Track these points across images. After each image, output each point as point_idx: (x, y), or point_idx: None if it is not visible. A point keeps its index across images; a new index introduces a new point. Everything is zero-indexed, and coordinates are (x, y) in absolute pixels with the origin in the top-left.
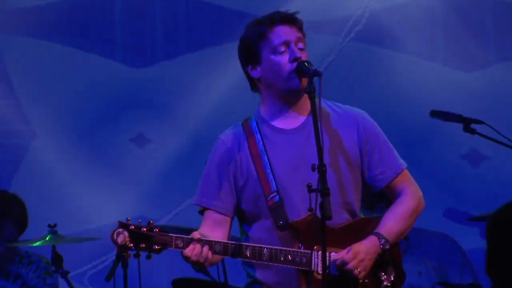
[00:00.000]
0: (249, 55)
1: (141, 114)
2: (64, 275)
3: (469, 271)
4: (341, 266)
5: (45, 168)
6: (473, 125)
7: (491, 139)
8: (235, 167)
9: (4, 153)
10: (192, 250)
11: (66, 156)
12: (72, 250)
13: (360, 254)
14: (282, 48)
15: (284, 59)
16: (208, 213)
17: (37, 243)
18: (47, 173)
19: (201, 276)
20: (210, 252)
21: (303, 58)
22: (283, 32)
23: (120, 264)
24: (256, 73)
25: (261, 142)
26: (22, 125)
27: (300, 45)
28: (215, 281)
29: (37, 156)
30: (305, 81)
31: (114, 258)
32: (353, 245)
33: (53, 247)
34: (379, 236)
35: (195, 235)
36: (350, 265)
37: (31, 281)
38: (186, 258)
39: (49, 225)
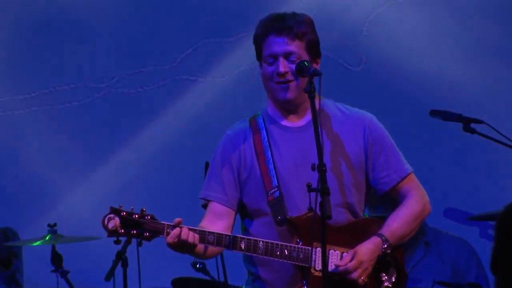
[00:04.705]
0: (256, 53)
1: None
2: (64, 275)
3: (483, 278)
4: (345, 274)
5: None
6: (473, 125)
7: (491, 138)
8: (239, 161)
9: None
10: (173, 236)
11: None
12: (72, 250)
13: (364, 263)
14: (271, 59)
15: (270, 69)
16: (210, 206)
17: (37, 243)
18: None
19: (201, 276)
20: (194, 236)
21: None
22: (273, 44)
23: (120, 264)
24: (261, 70)
25: (266, 139)
26: None
27: (292, 57)
28: (215, 280)
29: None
30: (302, 84)
31: (114, 258)
32: (357, 250)
33: (53, 246)
34: (382, 238)
35: (177, 220)
36: (355, 275)
37: None
38: (169, 244)
39: (49, 225)
